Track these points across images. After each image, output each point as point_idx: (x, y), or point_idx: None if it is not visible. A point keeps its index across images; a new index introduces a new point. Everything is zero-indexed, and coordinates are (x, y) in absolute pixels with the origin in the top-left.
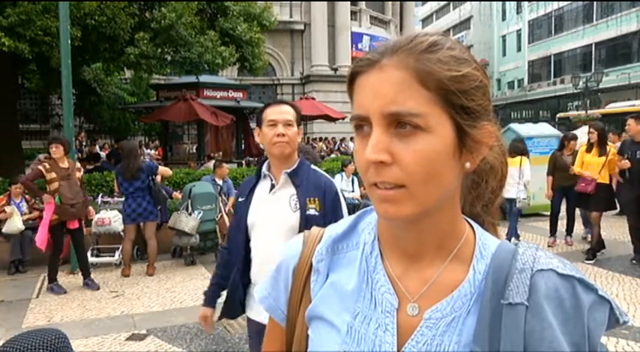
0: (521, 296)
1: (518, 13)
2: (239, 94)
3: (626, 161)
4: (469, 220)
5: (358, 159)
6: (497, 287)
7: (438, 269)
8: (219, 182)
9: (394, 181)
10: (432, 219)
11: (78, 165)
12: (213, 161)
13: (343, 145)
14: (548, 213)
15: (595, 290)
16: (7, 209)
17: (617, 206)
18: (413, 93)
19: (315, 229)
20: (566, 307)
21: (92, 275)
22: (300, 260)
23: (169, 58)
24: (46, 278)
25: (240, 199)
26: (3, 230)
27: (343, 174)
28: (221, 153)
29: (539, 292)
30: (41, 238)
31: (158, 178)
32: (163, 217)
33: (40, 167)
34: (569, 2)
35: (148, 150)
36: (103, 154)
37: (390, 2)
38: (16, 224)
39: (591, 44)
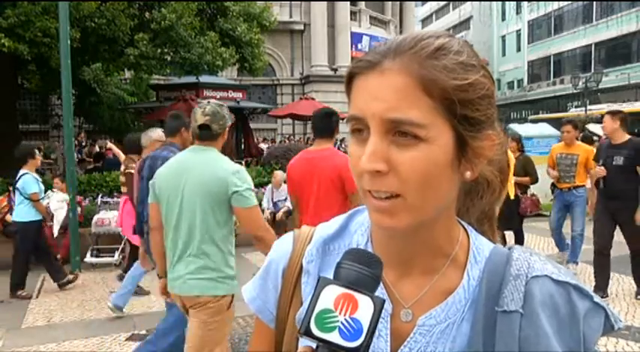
0: (516, 304)
1: (517, 13)
2: (239, 95)
3: (602, 168)
4: (463, 223)
5: (353, 163)
6: (491, 294)
7: (433, 275)
8: None
9: (389, 190)
10: (428, 227)
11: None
12: None
13: (343, 145)
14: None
15: (590, 297)
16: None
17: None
18: (416, 101)
19: (305, 228)
20: (562, 314)
21: (92, 276)
22: (290, 260)
23: (169, 58)
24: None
25: None
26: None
27: None
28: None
29: (534, 299)
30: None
31: None
32: None
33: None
34: (569, 2)
35: None
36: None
37: (390, 2)
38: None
39: (591, 44)
